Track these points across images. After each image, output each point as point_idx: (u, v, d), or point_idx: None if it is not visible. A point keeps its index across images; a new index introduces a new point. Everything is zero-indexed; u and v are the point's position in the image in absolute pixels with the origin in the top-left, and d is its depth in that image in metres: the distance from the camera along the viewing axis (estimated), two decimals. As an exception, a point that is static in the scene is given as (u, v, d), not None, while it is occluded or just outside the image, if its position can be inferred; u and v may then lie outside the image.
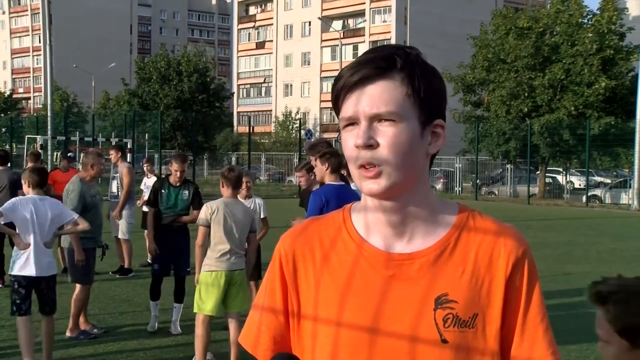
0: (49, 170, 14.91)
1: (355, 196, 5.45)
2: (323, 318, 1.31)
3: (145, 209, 10.08)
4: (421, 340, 1.25)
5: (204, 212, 5.52)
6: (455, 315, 1.26)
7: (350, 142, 1.26)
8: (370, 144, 1.23)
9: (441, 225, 1.31)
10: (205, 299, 5.45)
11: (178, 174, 6.93)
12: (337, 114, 1.31)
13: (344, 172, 6.67)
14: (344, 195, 5.34)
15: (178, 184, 6.99)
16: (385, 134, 1.23)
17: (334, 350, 1.30)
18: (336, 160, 5.41)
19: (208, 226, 5.49)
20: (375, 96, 1.23)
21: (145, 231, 10.10)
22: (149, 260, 9.97)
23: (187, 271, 7.10)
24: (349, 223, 1.36)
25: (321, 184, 5.52)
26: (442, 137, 1.30)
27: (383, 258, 1.29)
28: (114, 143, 27.82)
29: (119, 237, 9.94)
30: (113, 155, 10.06)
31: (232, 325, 5.65)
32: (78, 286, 6.70)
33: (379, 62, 1.25)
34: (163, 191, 7.00)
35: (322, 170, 5.43)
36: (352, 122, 1.26)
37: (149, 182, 10.46)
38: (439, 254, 1.29)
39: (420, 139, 1.26)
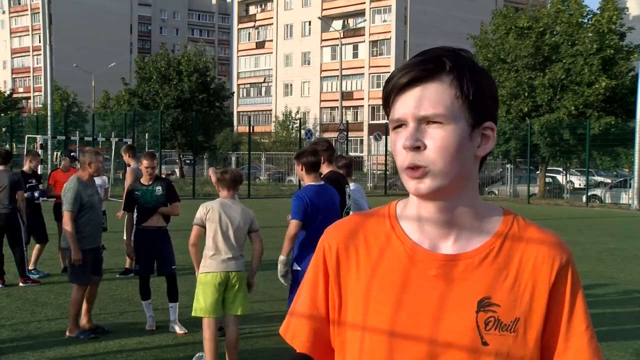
0: (49, 170, 14.87)
1: (333, 195, 5.49)
2: (359, 313, 1.33)
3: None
4: (462, 341, 1.26)
5: (200, 212, 5.48)
6: (497, 319, 1.26)
7: (398, 143, 1.26)
8: (418, 146, 1.23)
9: (486, 229, 1.32)
10: (201, 301, 5.41)
11: (149, 170, 6.99)
12: (388, 115, 1.32)
13: (342, 171, 6.70)
14: (325, 196, 5.40)
15: (150, 182, 7.05)
16: (433, 136, 1.23)
17: (370, 345, 1.31)
18: (310, 160, 5.44)
19: (202, 226, 5.46)
20: (423, 98, 1.24)
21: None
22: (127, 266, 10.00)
23: (173, 269, 7.08)
24: (394, 220, 1.37)
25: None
26: (491, 139, 1.30)
27: (427, 257, 1.30)
28: (114, 143, 27.83)
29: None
30: (125, 156, 10.07)
31: (228, 329, 5.60)
32: (74, 287, 6.70)
33: (428, 64, 1.25)
34: (137, 192, 7.05)
35: (299, 172, 5.51)
36: (401, 123, 1.27)
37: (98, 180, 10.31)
38: (483, 257, 1.29)
39: (469, 141, 1.26)
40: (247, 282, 5.60)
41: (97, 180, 10.28)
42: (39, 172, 10.89)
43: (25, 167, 9.92)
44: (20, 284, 8.99)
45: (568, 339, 1.30)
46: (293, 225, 5.19)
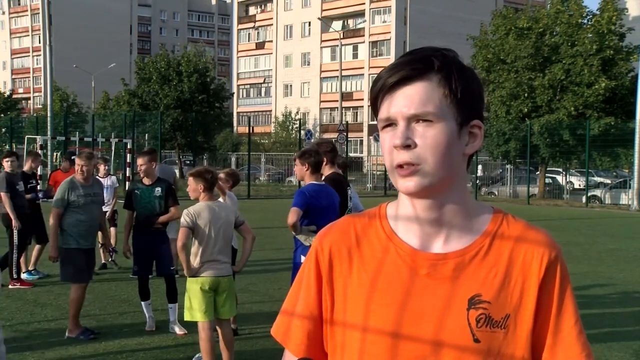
0: (49, 171, 14.83)
1: (333, 195, 5.51)
2: (355, 315, 1.33)
3: (105, 208, 10.23)
4: (454, 339, 1.27)
5: (188, 216, 5.42)
6: (488, 316, 1.27)
7: (388, 142, 1.27)
8: (408, 144, 1.24)
9: (476, 227, 1.33)
10: (195, 305, 5.41)
11: (143, 167, 7.00)
12: (376, 115, 1.33)
13: (340, 170, 6.71)
14: (328, 195, 5.42)
15: (150, 183, 7.04)
16: (423, 134, 1.25)
17: (365, 346, 1.31)
18: (316, 159, 5.44)
19: (191, 229, 5.39)
20: (413, 97, 1.25)
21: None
22: (104, 261, 10.26)
23: (172, 270, 7.08)
24: (384, 221, 1.38)
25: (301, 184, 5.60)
26: (479, 137, 1.32)
27: (418, 257, 1.31)
28: (113, 143, 27.84)
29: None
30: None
31: (222, 331, 5.61)
32: (73, 286, 6.72)
33: (417, 64, 1.27)
34: (136, 192, 7.05)
35: (302, 171, 5.50)
36: (390, 122, 1.28)
37: (106, 182, 10.41)
38: (473, 255, 1.31)
39: (458, 139, 1.28)
40: (234, 270, 5.66)
41: (107, 181, 10.35)
42: (38, 173, 10.88)
43: (26, 168, 9.87)
44: (10, 286, 8.96)
45: (557, 334, 1.31)
46: (292, 212, 5.21)
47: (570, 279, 1.34)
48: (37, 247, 9.78)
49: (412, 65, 1.26)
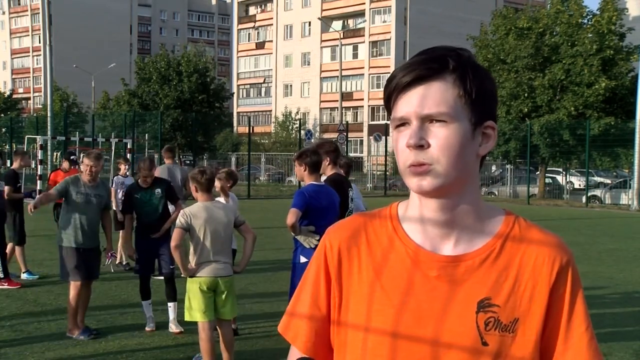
0: (49, 171, 14.86)
1: (333, 195, 5.51)
2: (360, 314, 1.33)
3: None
4: (462, 341, 1.26)
5: (183, 217, 5.40)
6: (497, 320, 1.27)
7: (401, 142, 1.27)
8: (421, 145, 1.24)
9: (487, 230, 1.32)
10: (194, 305, 5.40)
11: (148, 179, 7.04)
12: (389, 113, 1.32)
13: (342, 170, 6.71)
14: (327, 195, 5.43)
15: (148, 185, 7.08)
16: (437, 134, 1.24)
17: (370, 346, 1.31)
18: (313, 160, 5.45)
19: (186, 230, 5.37)
20: (428, 97, 1.25)
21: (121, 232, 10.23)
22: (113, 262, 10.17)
23: (172, 269, 7.08)
24: (395, 221, 1.37)
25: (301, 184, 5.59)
26: (492, 138, 1.31)
27: (428, 259, 1.30)
28: (113, 143, 27.85)
29: None
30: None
31: (222, 331, 5.60)
32: (70, 285, 6.72)
33: (432, 63, 1.26)
34: (136, 195, 7.05)
35: (300, 171, 5.52)
36: (404, 122, 1.27)
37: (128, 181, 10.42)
38: (484, 258, 1.30)
39: (471, 140, 1.27)
40: (235, 271, 5.62)
41: (128, 181, 10.30)
42: (38, 173, 10.86)
43: (16, 166, 9.69)
44: None
45: (568, 340, 1.30)
46: (291, 213, 5.20)
47: (581, 284, 1.33)
48: (9, 246, 9.44)
49: (426, 65, 1.26)
